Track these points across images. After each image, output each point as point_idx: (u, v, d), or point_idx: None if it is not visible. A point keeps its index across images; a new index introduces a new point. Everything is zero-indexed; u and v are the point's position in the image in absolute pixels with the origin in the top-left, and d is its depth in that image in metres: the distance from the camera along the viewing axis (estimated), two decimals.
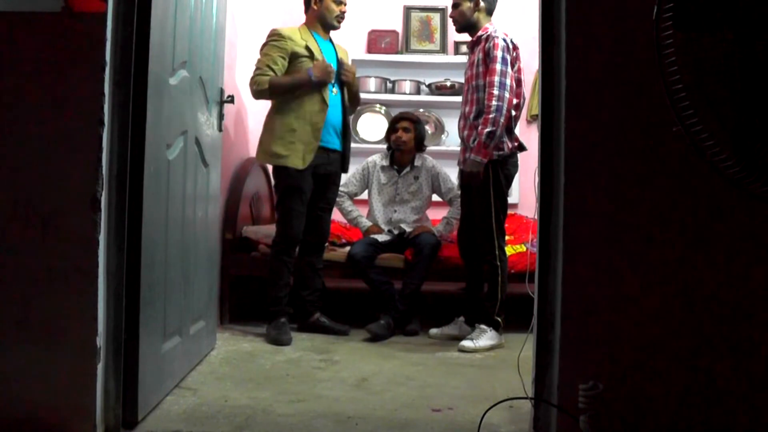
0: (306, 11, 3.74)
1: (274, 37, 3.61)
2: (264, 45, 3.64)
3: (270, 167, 4.00)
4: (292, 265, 3.65)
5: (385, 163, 4.23)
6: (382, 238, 4.04)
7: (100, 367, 2.03)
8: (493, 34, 3.47)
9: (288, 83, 3.57)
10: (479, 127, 3.43)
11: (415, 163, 4.20)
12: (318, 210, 3.73)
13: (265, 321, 3.63)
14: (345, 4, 3.71)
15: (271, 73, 3.54)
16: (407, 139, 4.13)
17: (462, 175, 3.69)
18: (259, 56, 3.63)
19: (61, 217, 2.01)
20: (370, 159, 4.32)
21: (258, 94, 3.60)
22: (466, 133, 3.58)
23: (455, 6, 3.65)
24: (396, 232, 4.08)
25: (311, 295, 3.77)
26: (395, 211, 4.17)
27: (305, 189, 3.59)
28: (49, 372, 2.00)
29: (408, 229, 4.07)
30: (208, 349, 3.15)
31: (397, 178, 4.19)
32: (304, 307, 3.76)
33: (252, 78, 3.59)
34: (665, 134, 1.80)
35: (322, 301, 3.84)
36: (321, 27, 3.69)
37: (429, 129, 5.12)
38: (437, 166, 4.24)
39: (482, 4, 3.58)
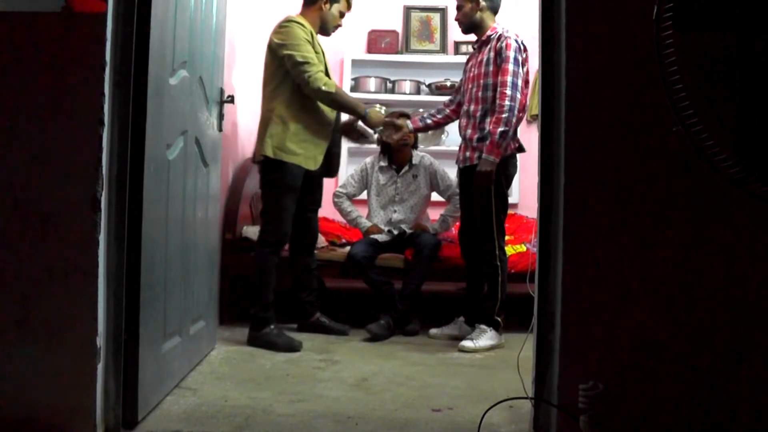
0: (308, 5, 3.59)
1: (301, 26, 3.46)
2: (292, 32, 3.43)
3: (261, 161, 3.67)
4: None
5: (384, 163, 4.22)
6: (382, 238, 4.04)
7: (100, 367, 2.03)
8: (505, 34, 3.48)
9: (346, 103, 3.56)
10: (491, 127, 3.42)
11: (413, 162, 4.20)
12: (308, 211, 3.69)
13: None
14: (343, 17, 3.69)
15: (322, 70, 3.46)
16: (412, 134, 4.11)
17: (462, 176, 3.69)
18: (291, 42, 3.41)
19: (61, 217, 2.01)
20: (367, 160, 4.32)
21: (318, 92, 3.42)
22: (469, 132, 3.58)
23: (458, 8, 3.67)
24: (396, 232, 4.08)
25: (310, 295, 3.75)
26: (395, 211, 4.17)
27: (298, 189, 3.53)
28: (49, 372, 2.00)
29: (408, 230, 4.07)
30: (208, 349, 3.15)
31: (396, 177, 4.20)
32: (304, 308, 3.74)
33: (313, 72, 3.39)
34: (665, 134, 1.80)
35: (321, 301, 3.82)
36: (319, 27, 3.61)
37: None
38: (435, 163, 4.25)
39: (484, 3, 3.58)
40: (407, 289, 3.82)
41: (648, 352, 1.97)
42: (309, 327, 3.72)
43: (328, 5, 3.59)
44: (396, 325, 3.76)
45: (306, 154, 3.48)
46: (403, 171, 4.19)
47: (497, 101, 3.43)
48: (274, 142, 3.44)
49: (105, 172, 2.04)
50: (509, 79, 3.41)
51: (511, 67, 3.42)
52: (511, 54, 3.42)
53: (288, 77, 3.46)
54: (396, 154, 4.18)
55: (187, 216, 2.69)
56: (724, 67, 1.50)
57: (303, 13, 3.59)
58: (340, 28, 3.72)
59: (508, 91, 3.40)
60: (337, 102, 3.53)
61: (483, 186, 3.45)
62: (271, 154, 3.44)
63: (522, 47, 3.48)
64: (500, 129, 3.39)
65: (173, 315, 2.53)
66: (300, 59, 3.40)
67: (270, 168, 3.49)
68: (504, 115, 3.40)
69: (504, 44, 3.45)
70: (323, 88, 3.41)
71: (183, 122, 2.59)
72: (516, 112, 3.42)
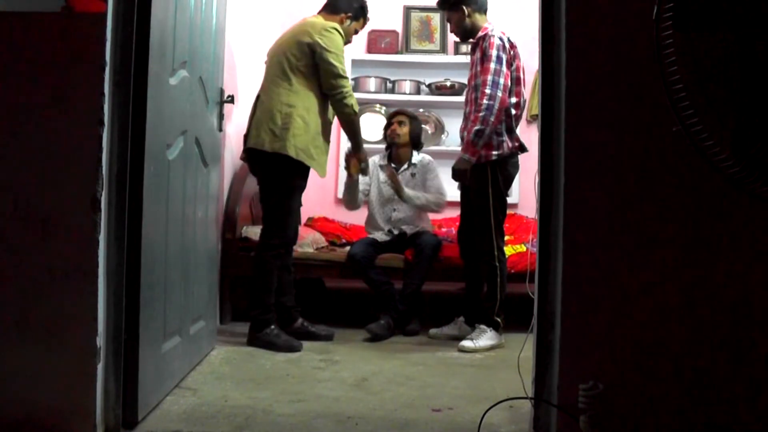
0: (330, 13, 3.58)
1: (342, 37, 3.47)
2: (338, 42, 3.43)
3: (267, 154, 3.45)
4: None
5: (384, 162, 4.21)
6: (381, 237, 4.04)
7: (100, 367, 2.03)
8: (490, 33, 3.48)
9: (357, 131, 3.60)
10: (468, 125, 3.46)
11: (413, 161, 4.17)
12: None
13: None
14: (356, 34, 3.72)
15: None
16: (402, 132, 4.11)
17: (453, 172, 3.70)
18: (336, 51, 3.41)
19: (61, 217, 2.01)
20: (369, 159, 4.31)
21: (347, 109, 3.44)
22: (465, 133, 3.59)
23: (448, 21, 3.70)
24: (396, 232, 4.07)
25: (291, 300, 3.64)
26: (395, 210, 4.14)
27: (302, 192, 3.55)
28: (49, 372, 2.00)
29: (409, 231, 4.06)
30: (208, 349, 3.15)
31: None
32: (288, 314, 3.60)
33: (350, 89, 3.44)
34: (665, 134, 1.80)
35: (300, 306, 3.71)
36: None
37: (429, 129, 5.12)
38: (433, 164, 4.18)
39: (470, 8, 3.58)
40: (407, 289, 3.82)
41: (648, 352, 1.97)
42: (291, 334, 3.48)
43: (348, 21, 3.58)
44: (396, 325, 3.76)
45: (319, 161, 3.45)
46: (402, 169, 4.17)
47: (477, 100, 3.44)
48: (298, 143, 3.35)
49: (105, 172, 2.04)
50: (489, 78, 3.41)
51: (492, 65, 3.41)
52: (494, 53, 3.42)
53: (314, 79, 3.41)
54: (397, 151, 4.16)
55: (187, 216, 2.69)
56: (724, 67, 1.50)
57: (325, 19, 3.55)
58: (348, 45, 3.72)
59: (488, 90, 3.40)
60: (354, 125, 3.55)
61: (459, 182, 3.51)
62: (294, 155, 3.33)
63: (506, 45, 3.46)
64: (476, 128, 3.40)
65: (173, 315, 2.53)
66: (341, 72, 3.40)
67: (285, 167, 3.38)
68: (481, 114, 3.39)
69: (487, 43, 3.45)
70: (354, 107, 3.45)
71: (183, 122, 2.59)
72: (495, 110, 3.39)
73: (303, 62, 3.41)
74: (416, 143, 4.20)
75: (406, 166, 4.17)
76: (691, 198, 1.96)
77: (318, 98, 3.44)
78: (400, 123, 4.13)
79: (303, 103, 3.39)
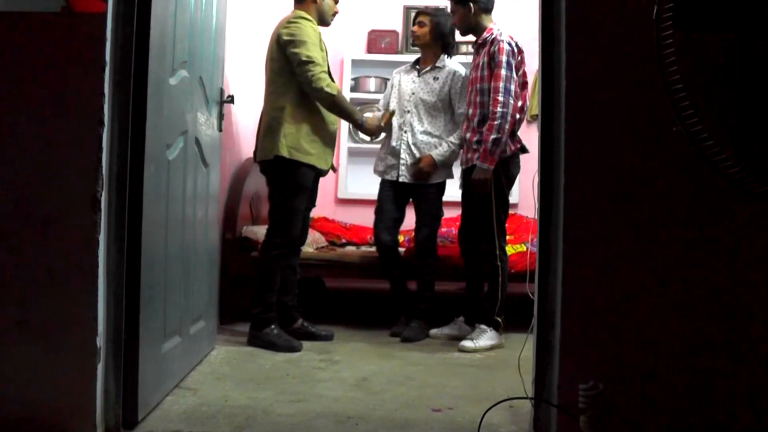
0: (301, 1, 3.52)
1: (311, 23, 3.43)
2: (302, 29, 3.38)
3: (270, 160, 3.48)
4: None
5: (410, 65, 4.00)
6: (390, 175, 3.85)
7: (100, 367, 2.03)
8: (499, 38, 3.47)
9: (345, 108, 3.52)
10: (484, 134, 3.43)
11: (437, 64, 3.87)
12: (306, 211, 3.63)
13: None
14: (338, 3, 3.64)
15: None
16: (420, 32, 3.86)
17: (464, 177, 3.69)
18: (298, 39, 3.35)
19: (61, 217, 2.01)
20: (396, 70, 4.10)
21: (320, 92, 3.37)
22: (468, 135, 3.59)
23: (452, 13, 3.68)
24: (403, 178, 3.83)
25: (293, 300, 3.64)
26: (408, 111, 3.86)
27: (308, 191, 3.52)
28: (49, 372, 2.00)
29: (416, 154, 3.80)
30: (208, 349, 3.15)
31: (416, 77, 3.91)
32: (288, 313, 3.60)
33: (316, 72, 3.34)
34: (665, 134, 1.80)
35: (302, 307, 3.71)
36: (318, 20, 3.52)
37: None
38: (463, 72, 3.85)
39: (477, 6, 3.57)
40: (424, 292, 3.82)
41: (648, 352, 1.97)
42: (291, 334, 3.49)
43: None
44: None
45: (318, 154, 3.45)
46: (424, 71, 3.91)
47: (490, 108, 3.43)
48: (288, 142, 3.37)
49: (105, 172, 2.04)
50: (501, 84, 3.41)
51: (503, 72, 3.41)
52: (504, 58, 3.42)
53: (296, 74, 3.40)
54: (422, 52, 3.94)
55: (187, 216, 2.69)
56: (724, 66, 1.50)
57: (299, 10, 3.49)
58: (337, 15, 3.64)
59: (501, 98, 3.41)
60: (337, 105, 3.48)
61: (479, 193, 3.47)
62: (287, 155, 3.37)
63: (515, 50, 3.47)
64: (492, 137, 3.40)
65: (173, 315, 2.53)
66: (305, 58, 3.35)
67: (283, 168, 3.41)
68: (496, 122, 3.40)
69: (497, 48, 3.44)
70: (326, 89, 3.37)
71: (183, 122, 2.59)
72: (509, 117, 3.41)
73: (282, 62, 3.41)
74: (444, 43, 3.87)
75: (429, 67, 3.90)
76: (691, 198, 1.96)
77: (308, 98, 3.43)
78: (420, 24, 3.88)
79: (292, 101, 3.41)
